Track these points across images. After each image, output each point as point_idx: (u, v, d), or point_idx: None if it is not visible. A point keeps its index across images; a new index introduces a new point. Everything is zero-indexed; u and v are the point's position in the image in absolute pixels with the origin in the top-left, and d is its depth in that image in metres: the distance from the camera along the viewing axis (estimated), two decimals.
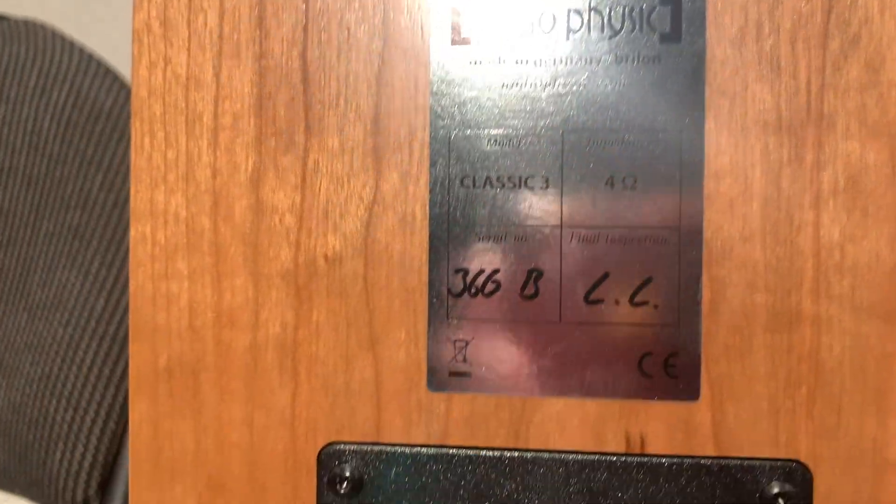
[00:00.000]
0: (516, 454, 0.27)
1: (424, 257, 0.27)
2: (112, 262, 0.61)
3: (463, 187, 0.27)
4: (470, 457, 0.27)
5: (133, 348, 0.28)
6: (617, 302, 0.27)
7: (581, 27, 0.27)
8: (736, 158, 0.26)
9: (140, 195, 0.28)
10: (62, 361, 0.60)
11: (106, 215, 0.62)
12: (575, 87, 0.27)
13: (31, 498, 0.61)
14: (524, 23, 0.27)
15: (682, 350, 0.27)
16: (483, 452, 0.27)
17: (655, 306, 0.27)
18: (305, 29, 0.28)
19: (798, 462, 0.26)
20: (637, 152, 0.27)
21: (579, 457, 0.27)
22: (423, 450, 0.27)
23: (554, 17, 0.27)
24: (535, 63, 0.27)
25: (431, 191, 0.27)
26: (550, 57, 0.27)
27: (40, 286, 0.62)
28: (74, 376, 0.59)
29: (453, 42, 0.27)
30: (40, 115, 0.64)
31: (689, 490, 0.27)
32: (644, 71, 0.27)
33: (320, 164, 0.28)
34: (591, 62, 0.27)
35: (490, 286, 0.27)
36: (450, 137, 0.27)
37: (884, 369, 0.26)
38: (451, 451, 0.27)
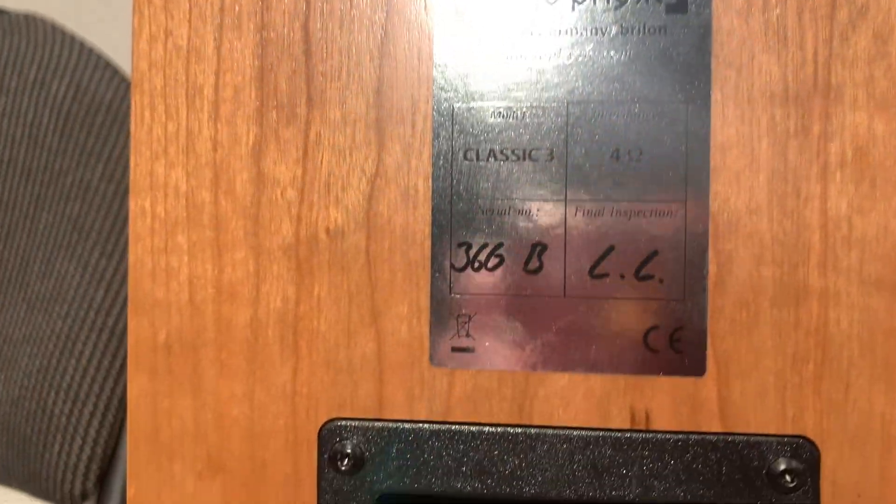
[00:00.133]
0: (520, 430, 0.27)
1: (427, 231, 0.27)
2: (111, 253, 0.61)
3: (466, 160, 0.27)
4: (473, 433, 0.27)
5: (132, 323, 0.28)
6: (622, 276, 0.26)
7: None
8: (742, 130, 0.26)
9: (140, 168, 0.28)
10: (61, 354, 0.59)
11: (105, 207, 0.62)
12: (580, 59, 0.26)
13: (30, 491, 0.61)
14: None
15: (688, 325, 0.26)
16: (486, 429, 0.27)
17: (661, 280, 0.26)
18: (307, 0, 0.27)
19: (805, 438, 0.26)
20: (643, 124, 0.26)
21: (583, 433, 0.27)
22: (426, 426, 0.27)
23: None
24: (539, 34, 0.27)
25: (434, 164, 0.27)
26: (555, 28, 0.27)
27: (39, 278, 0.62)
28: (73, 369, 0.59)
29: (457, 13, 0.27)
30: (40, 107, 0.64)
31: (694, 467, 0.26)
32: (650, 42, 0.26)
33: (322, 136, 0.27)
34: (596, 33, 0.26)
35: (493, 260, 0.27)
36: (453, 109, 0.27)
37: (892, 343, 0.26)
38: (453, 427, 0.27)
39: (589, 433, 0.27)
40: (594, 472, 0.27)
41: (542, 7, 0.27)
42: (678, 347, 0.26)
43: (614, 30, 0.26)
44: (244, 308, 0.28)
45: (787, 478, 0.26)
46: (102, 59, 0.66)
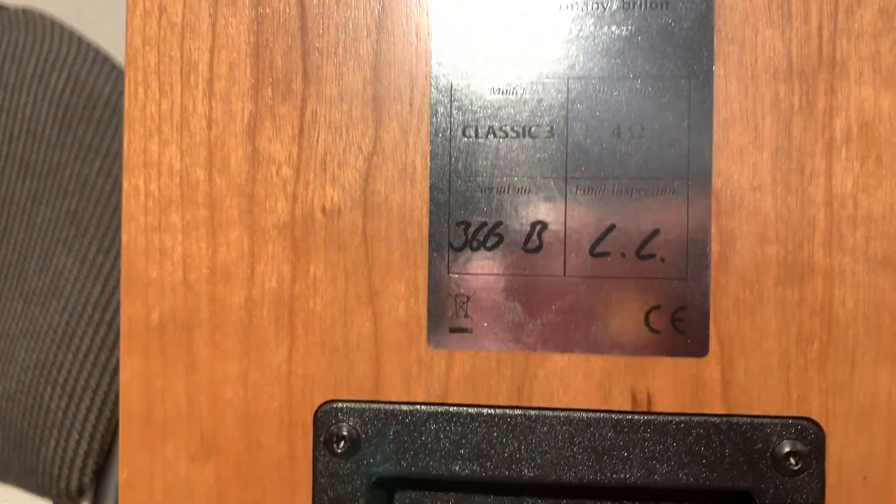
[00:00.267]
0: (519, 412, 0.26)
1: (425, 209, 0.27)
2: (109, 248, 0.61)
3: (465, 137, 0.26)
4: (471, 415, 0.26)
5: (125, 303, 0.28)
6: (623, 255, 0.26)
7: None
8: (746, 106, 0.26)
9: (133, 146, 0.28)
10: (58, 349, 0.59)
11: (103, 201, 0.61)
12: (581, 34, 0.26)
13: (26, 486, 0.60)
14: None
15: (691, 304, 0.26)
16: (485, 410, 0.26)
17: (663, 259, 0.26)
18: None
19: (810, 420, 0.25)
20: (644, 101, 0.26)
21: (584, 415, 0.26)
22: (423, 408, 0.27)
23: None
24: (540, 8, 0.26)
25: (432, 141, 0.27)
26: (556, 2, 0.26)
27: (36, 273, 0.61)
28: (70, 363, 0.58)
29: None
30: (38, 101, 0.63)
31: (697, 449, 0.26)
32: (652, 16, 0.26)
33: (318, 113, 0.27)
34: (597, 7, 0.26)
35: (492, 239, 0.26)
36: (452, 86, 0.26)
37: None
38: (451, 408, 0.27)
39: (589, 415, 0.26)
40: (595, 455, 0.26)
41: None
42: (680, 327, 0.26)
43: (615, 4, 0.26)
44: (239, 287, 0.27)
45: (792, 460, 0.25)
46: (101, 53, 0.65)
